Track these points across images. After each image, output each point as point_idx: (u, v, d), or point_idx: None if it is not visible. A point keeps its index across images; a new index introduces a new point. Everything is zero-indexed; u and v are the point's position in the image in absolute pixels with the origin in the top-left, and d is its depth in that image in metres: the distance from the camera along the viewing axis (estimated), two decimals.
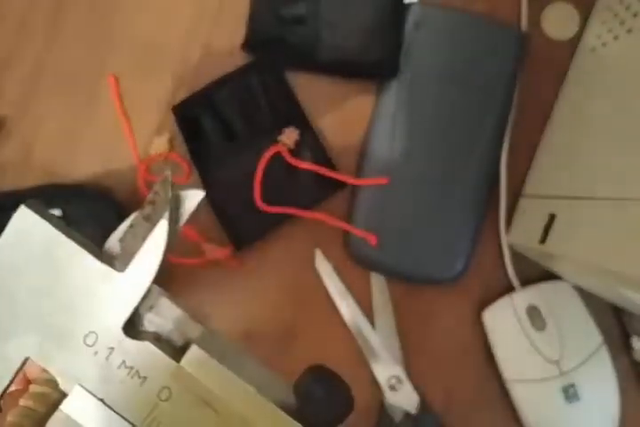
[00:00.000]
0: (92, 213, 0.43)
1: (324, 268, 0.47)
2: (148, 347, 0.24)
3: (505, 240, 0.48)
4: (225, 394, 0.23)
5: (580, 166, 0.41)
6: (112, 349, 0.24)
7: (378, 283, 0.47)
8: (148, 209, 0.25)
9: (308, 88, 0.47)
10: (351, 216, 0.46)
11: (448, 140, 0.46)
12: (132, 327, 0.25)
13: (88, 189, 0.45)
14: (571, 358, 0.44)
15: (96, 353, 0.24)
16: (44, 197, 0.43)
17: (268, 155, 0.45)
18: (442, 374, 0.47)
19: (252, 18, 0.47)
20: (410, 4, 0.46)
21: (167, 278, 0.46)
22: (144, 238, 0.25)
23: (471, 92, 0.46)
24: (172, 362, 0.24)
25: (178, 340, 0.25)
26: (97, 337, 0.24)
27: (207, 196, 0.46)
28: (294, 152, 0.45)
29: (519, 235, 0.46)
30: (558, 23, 0.49)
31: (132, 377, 0.23)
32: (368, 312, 0.46)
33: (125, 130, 0.47)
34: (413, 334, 0.47)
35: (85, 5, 0.48)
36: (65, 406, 0.23)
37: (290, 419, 0.22)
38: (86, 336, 0.24)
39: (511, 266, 0.47)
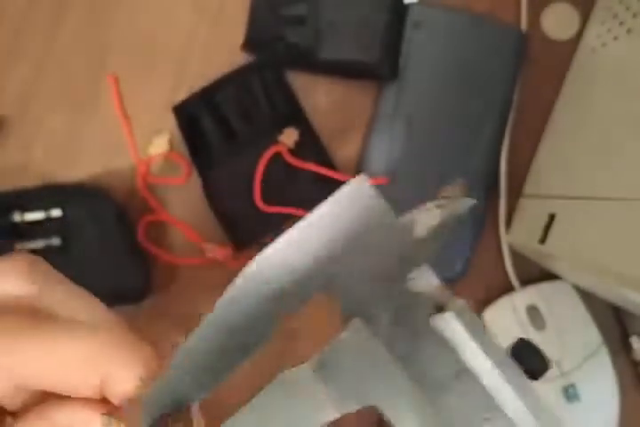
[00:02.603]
0: (91, 213, 0.43)
1: None
2: None
3: (505, 240, 0.48)
4: None
5: (580, 166, 0.41)
6: None
7: None
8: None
9: (308, 88, 0.47)
10: None
11: (448, 140, 0.46)
12: None
13: (88, 189, 0.45)
14: (570, 358, 0.44)
15: None
16: (44, 197, 0.43)
17: (267, 155, 0.45)
18: None
19: (251, 18, 0.47)
20: (409, 4, 0.46)
21: (167, 278, 0.47)
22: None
23: (471, 92, 0.46)
24: None
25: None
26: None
27: (207, 196, 0.46)
28: (294, 152, 0.45)
29: (519, 235, 0.46)
30: (558, 23, 0.49)
31: None
32: None
33: (125, 130, 0.47)
34: None
35: (85, 5, 0.48)
36: None
37: None
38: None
39: (511, 266, 0.47)
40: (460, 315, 0.21)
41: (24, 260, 0.20)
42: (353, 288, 0.21)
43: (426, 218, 0.23)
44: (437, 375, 0.21)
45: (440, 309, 0.22)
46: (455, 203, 0.24)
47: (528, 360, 0.24)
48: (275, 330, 0.20)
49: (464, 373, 0.21)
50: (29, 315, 0.18)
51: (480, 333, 0.22)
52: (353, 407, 0.19)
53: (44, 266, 0.20)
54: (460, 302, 0.22)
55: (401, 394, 0.20)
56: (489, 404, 0.21)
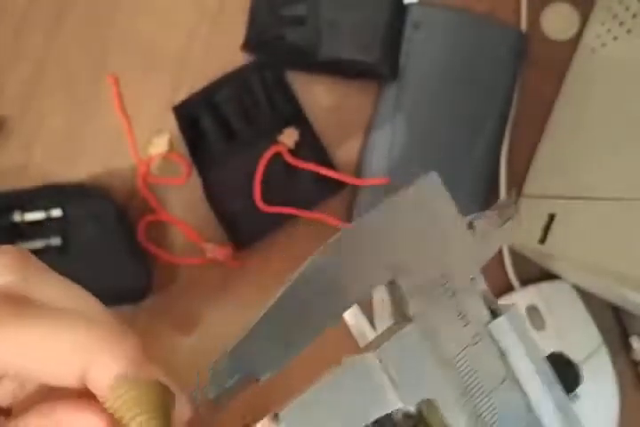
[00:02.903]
0: (92, 213, 0.43)
1: None
2: None
3: None
4: None
5: (580, 166, 0.41)
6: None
7: None
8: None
9: (308, 88, 0.47)
10: (351, 216, 0.46)
11: (448, 140, 0.46)
12: None
13: (88, 189, 0.45)
14: (570, 358, 0.44)
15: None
16: (44, 197, 0.43)
17: (267, 155, 0.45)
18: None
19: (251, 18, 0.47)
20: (409, 4, 0.46)
21: (167, 278, 0.47)
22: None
23: (471, 92, 0.46)
24: None
25: None
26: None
27: (207, 196, 0.46)
28: (294, 152, 0.45)
29: (519, 235, 0.46)
30: (558, 23, 0.49)
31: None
32: (368, 312, 0.46)
33: (125, 130, 0.47)
34: None
35: (86, 5, 0.48)
36: None
37: None
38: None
39: (511, 266, 0.47)
40: (512, 320, 0.22)
41: (10, 252, 0.20)
42: (419, 277, 0.22)
43: (486, 223, 0.24)
44: (485, 378, 0.21)
45: (494, 312, 0.22)
46: (511, 210, 0.25)
47: (562, 373, 0.25)
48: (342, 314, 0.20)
49: (509, 379, 0.22)
50: (14, 304, 0.18)
51: (528, 340, 0.23)
52: (413, 400, 0.20)
53: (31, 258, 0.20)
54: (512, 308, 0.23)
55: (452, 392, 0.21)
56: (528, 409, 0.22)
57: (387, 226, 0.21)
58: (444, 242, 0.23)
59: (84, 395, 0.18)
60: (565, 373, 0.25)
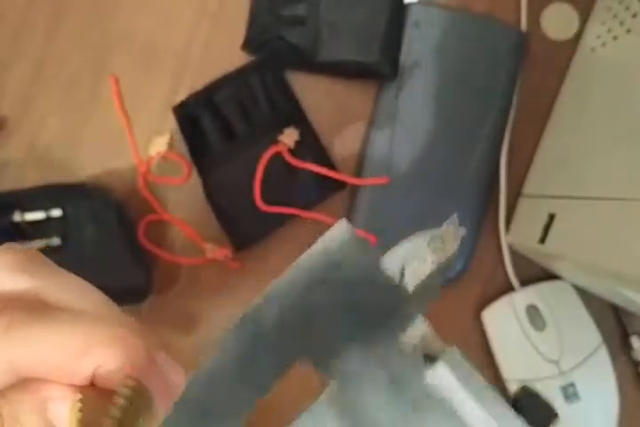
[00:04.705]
0: (92, 213, 0.43)
1: None
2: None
3: (505, 240, 0.48)
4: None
5: (580, 166, 0.41)
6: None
7: None
8: (436, 242, 0.24)
9: (308, 88, 0.47)
10: (351, 216, 0.46)
11: (448, 140, 0.46)
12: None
13: (88, 188, 0.45)
14: (570, 358, 0.44)
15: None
16: (44, 197, 0.43)
17: (267, 155, 0.45)
18: None
19: (251, 18, 0.47)
20: (409, 4, 0.46)
21: (168, 278, 0.47)
22: (433, 263, 0.23)
23: (471, 92, 0.46)
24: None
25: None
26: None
27: (207, 196, 0.46)
28: (294, 152, 0.45)
29: (519, 235, 0.46)
30: (558, 23, 0.49)
31: None
32: None
33: (126, 130, 0.47)
34: None
35: (86, 5, 0.48)
36: None
37: None
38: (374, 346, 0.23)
39: (511, 266, 0.47)
40: (452, 366, 0.21)
41: (17, 252, 0.20)
42: (337, 345, 0.21)
43: (416, 270, 0.22)
44: None
45: (432, 359, 0.21)
46: (449, 244, 0.23)
47: (533, 410, 0.24)
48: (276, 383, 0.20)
49: None
50: (29, 309, 0.18)
51: (474, 383, 0.21)
52: None
53: (38, 257, 0.20)
54: (452, 351, 0.21)
55: None
56: None
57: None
58: (367, 300, 0.22)
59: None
60: (537, 409, 0.24)
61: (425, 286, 0.23)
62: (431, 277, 0.23)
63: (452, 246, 0.23)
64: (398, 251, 0.23)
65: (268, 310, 0.21)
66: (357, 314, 0.22)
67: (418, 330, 0.22)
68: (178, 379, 0.20)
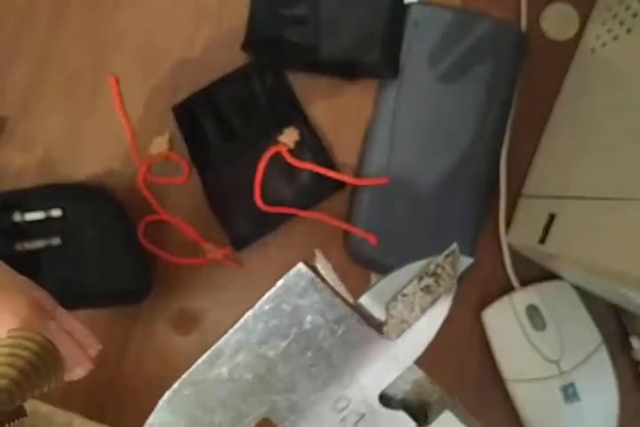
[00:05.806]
0: (92, 213, 0.43)
1: (323, 268, 0.47)
2: (401, 416, 0.23)
3: (505, 240, 0.48)
4: None
5: (580, 166, 0.41)
6: (362, 415, 0.22)
7: None
8: (428, 281, 0.23)
9: (308, 88, 0.47)
10: (351, 216, 0.46)
11: (448, 140, 0.46)
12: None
13: (88, 188, 0.45)
14: (570, 358, 0.44)
15: (343, 420, 0.22)
16: (44, 197, 0.43)
17: (267, 155, 0.45)
18: (441, 373, 0.47)
19: (251, 18, 0.47)
20: (409, 4, 0.46)
21: (167, 278, 0.47)
22: (423, 309, 0.23)
23: (471, 92, 0.46)
24: None
25: (413, 401, 0.24)
26: (349, 402, 0.23)
27: (207, 196, 0.46)
28: (294, 152, 0.45)
29: (519, 235, 0.46)
30: (558, 23, 0.49)
31: None
32: None
33: (126, 130, 0.47)
34: None
35: (86, 6, 0.48)
36: None
37: None
38: (338, 401, 0.23)
39: (511, 266, 0.47)
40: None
41: None
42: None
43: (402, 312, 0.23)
44: None
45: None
46: (446, 282, 0.23)
47: None
48: None
49: None
50: None
51: None
52: None
53: None
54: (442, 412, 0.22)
55: None
56: None
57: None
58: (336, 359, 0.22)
59: None
60: None
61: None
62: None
63: (450, 283, 0.23)
64: (385, 286, 0.23)
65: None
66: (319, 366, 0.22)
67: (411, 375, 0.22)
68: (92, 350, 0.28)
